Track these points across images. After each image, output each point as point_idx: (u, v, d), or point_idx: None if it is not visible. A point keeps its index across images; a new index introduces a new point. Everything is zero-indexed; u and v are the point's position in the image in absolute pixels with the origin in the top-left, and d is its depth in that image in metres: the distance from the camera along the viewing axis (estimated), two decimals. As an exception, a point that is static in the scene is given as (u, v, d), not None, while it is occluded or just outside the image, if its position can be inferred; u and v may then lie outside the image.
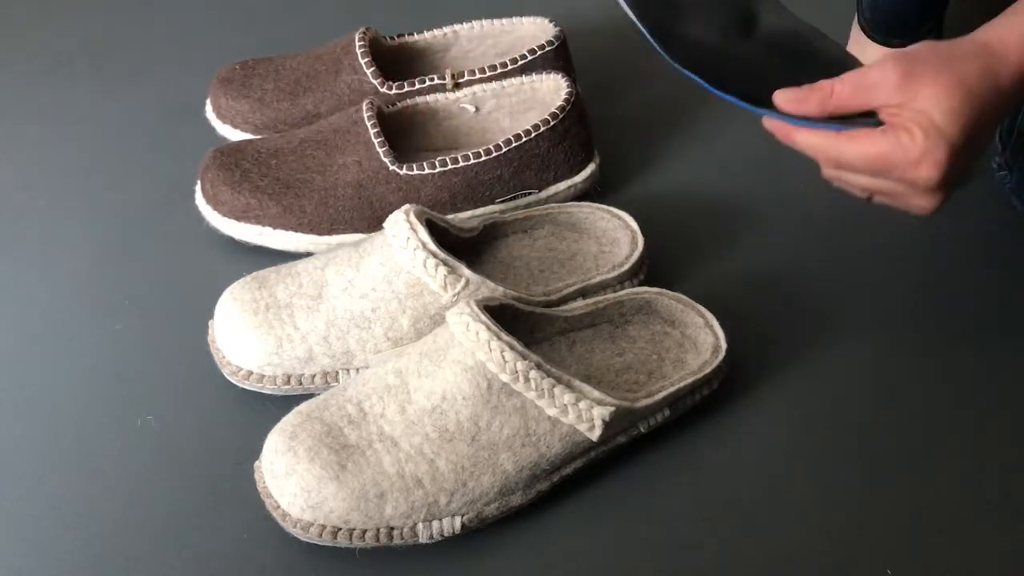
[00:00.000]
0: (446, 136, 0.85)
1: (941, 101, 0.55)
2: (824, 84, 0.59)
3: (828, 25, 0.69)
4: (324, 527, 0.60)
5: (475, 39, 0.91)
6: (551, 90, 0.84)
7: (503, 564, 0.62)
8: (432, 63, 0.91)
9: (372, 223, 0.78)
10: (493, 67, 0.85)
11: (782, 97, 0.61)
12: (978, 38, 0.57)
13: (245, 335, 0.69)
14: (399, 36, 0.90)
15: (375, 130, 0.78)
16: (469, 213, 0.81)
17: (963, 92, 0.55)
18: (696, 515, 0.64)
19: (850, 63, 0.64)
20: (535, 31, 0.91)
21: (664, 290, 0.72)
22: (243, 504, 0.64)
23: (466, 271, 0.69)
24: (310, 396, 0.66)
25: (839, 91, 0.59)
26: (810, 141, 0.60)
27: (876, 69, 0.57)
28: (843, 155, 0.59)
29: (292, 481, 0.60)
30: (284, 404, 0.66)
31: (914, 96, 0.55)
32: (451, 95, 0.84)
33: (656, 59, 0.67)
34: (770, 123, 0.62)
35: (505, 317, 0.65)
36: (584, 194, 0.84)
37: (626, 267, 0.74)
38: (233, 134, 0.87)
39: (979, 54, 0.56)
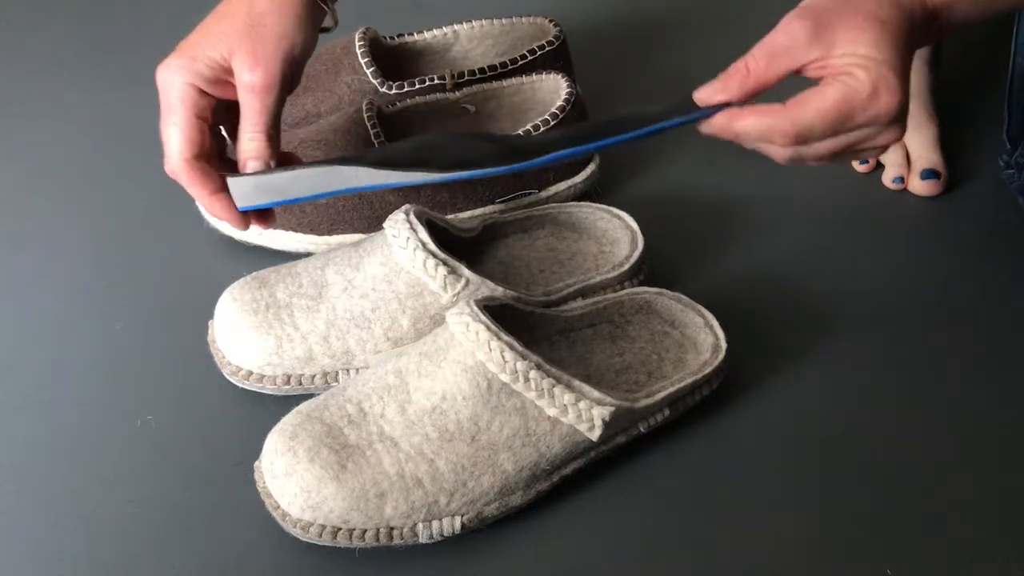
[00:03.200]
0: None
1: (859, 38, 0.54)
2: (737, 65, 0.58)
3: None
4: (324, 527, 0.60)
5: (475, 39, 0.91)
6: (551, 90, 0.84)
7: (503, 564, 0.62)
8: (432, 63, 0.91)
9: (372, 223, 0.78)
10: (493, 67, 0.85)
11: (702, 93, 0.59)
12: None
13: (245, 335, 0.69)
14: (399, 36, 0.90)
15: (375, 130, 0.78)
16: (469, 213, 0.81)
17: (875, 23, 0.54)
18: (696, 515, 0.64)
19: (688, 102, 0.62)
20: (535, 31, 0.91)
21: (664, 290, 0.72)
22: (243, 504, 0.64)
23: (466, 271, 0.69)
24: (310, 396, 0.66)
25: (754, 65, 0.57)
26: (758, 123, 0.57)
27: (782, 32, 0.56)
28: (800, 123, 0.56)
29: (292, 481, 0.60)
30: (284, 404, 0.66)
31: (831, 45, 0.55)
32: (451, 95, 0.84)
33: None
34: (709, 129, 0.59)
35: (505, 317, 0.65)
36: (584, 194, 0.84)
37: (626, 267, 0.74)
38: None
39: None
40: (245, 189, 0.63)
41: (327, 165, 0.63)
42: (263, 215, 0.67)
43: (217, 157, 0.66)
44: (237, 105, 0.64)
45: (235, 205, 0.64)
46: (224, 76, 0.63)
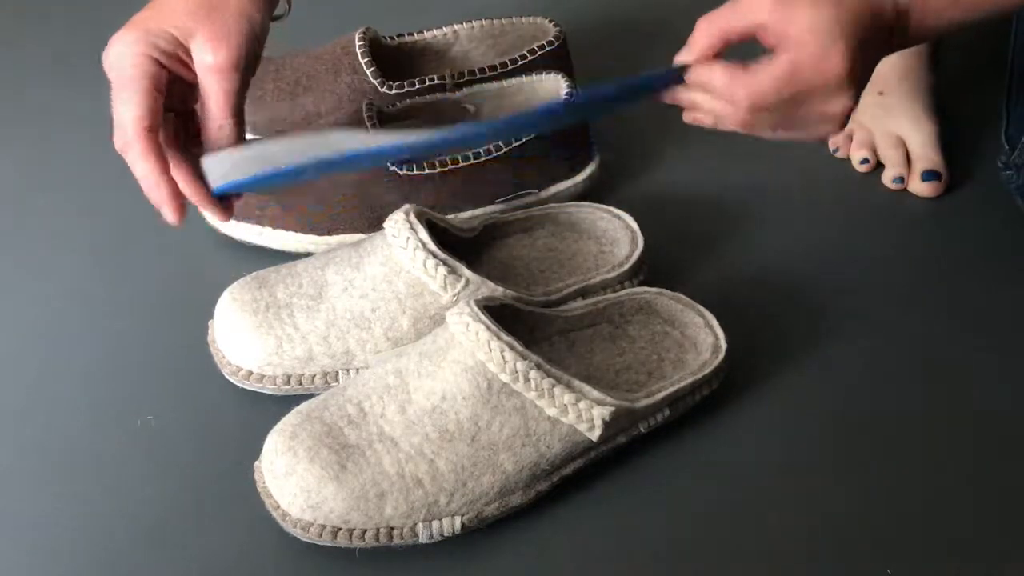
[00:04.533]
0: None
1: (820, 12, 0.57)
2: (699, 22, 0.61)
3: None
4: (324, 527, 0.60)
5: (475, 39, 0.91)
6: (551, 90, 0.84)
7: (503, 564, 0.62)
8: (432, 63, 0.91)
9: (372, 223, 0.78)
10: (493, 67, 0.85)
11: (679, 57, 0.62)
12: None
13: (245, 335, 0.69)
14: (399, 36, 0.90)
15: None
16: (469, 213, 0.81)
17: (834, 4, 0.57)
18: (696, 515, 0.64)
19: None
20: (535, 31, 0.91)
21: (664, 290, 0.72)
22: (243, 504, 0.64)
23: (466, 271, 0.69)
24: (310, 396, 0.66)
25: (717, 17, 0.60)
26: (721, 78, 0.60)
27: None
28: (755, 86, 0.59)
29: (292, 481, 0.60)
30: (284, 404, 0.66)
31: (792, 14, 0.57)
32: (451, 95, 0.84)
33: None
34: (670, 97, 0.63)
35: (505, 317, 0.65)
36: (584, 194, 0.84)
37: (626, 267, 0.74)
38: (233, 134, 0.87)
39: None
40: (224, 167, 0.61)
41: (312, 133, 0.61)
42: (224, 206, 0.64)
43: (174, 144, 0.63)
44: (187, 88, 0.62)
45: (200, 182, 0.61)
46: (181, 53, 0.61)
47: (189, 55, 0.61)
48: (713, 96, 0.62)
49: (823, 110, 0.60)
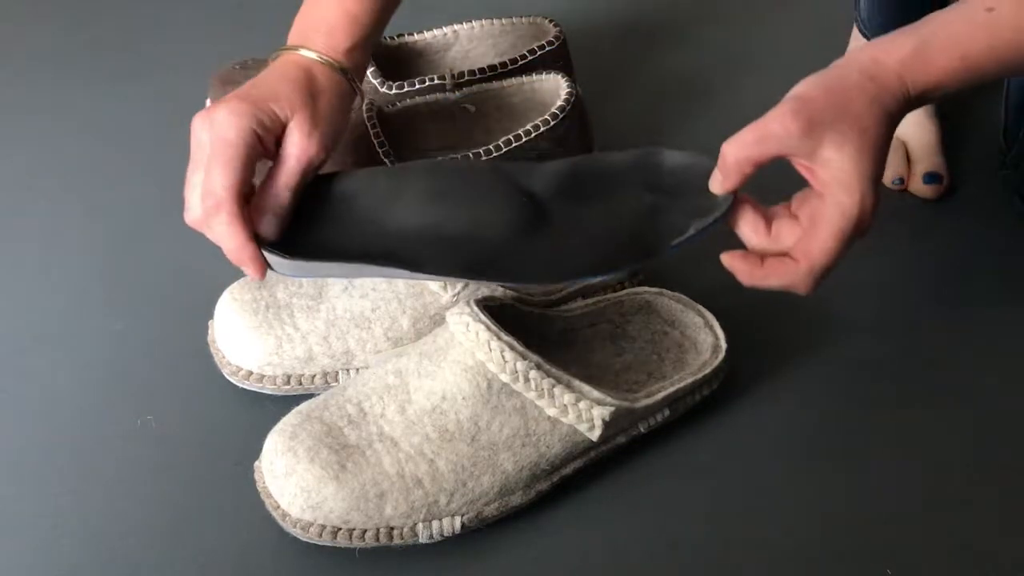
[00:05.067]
0: (446, 136, 0.85)
1: (844, 146, 0.57)
2: (726, 149, 0.60)
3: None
4: (324, 527, 0.60)
5: (475, 39, 0.91)
6: (551, 90, 0.84)
7: (503, 564, 0.62)
8: (432, 63, 0.91)
9: (372, 223, 0.78)
10: (493, 67, 0.85)
11: (714, 184, 0.62)
12: (863, 64, 0.59)
13: (245, 335, 0.69)
14: (399, 36, 0.90)
15: (375, 130, 0.78)
16: (469, 213, 0.81)
17: (861, 131, 0.58)
18: (696, 515, 0.64)
19: (683, 159, 0.64)
20: (535, 31, 0.91)
21: (664, 290, 0.72)
22: (243, 504, 0.64)
23: (466, 271, 0.69)
24: (310, 396, 0.66)
25: (744, 146, 0.59)
26: (781, 281, 0.61)
27: (775, 123, 0.58)
28: (816, 269, 0.60)
29: (292, 481, 0.60)
30: (284, 404, 0.66)
31: (819, 146, 0.58)
32: (451, 95, 0.84)
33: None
34: (736, 272, 0.62)
35: (505, 317, 0.66)
36: (584, 194, 0.84)
37: (626, 267, 0.74)
38: (233, 134, 0.87)
39: (864, 86, 0.58)
40: (278, 264, 0.63)
41: (356, 263, 0.62)
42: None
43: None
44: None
45: (261, 259, 0.62)
46: (277, 131, 0.63)
47: (283, 132, 0.63)
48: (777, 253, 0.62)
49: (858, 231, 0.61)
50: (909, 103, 0.60)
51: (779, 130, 0.58)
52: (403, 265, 0.61)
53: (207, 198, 0.61)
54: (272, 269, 0.63)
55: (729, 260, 0.62)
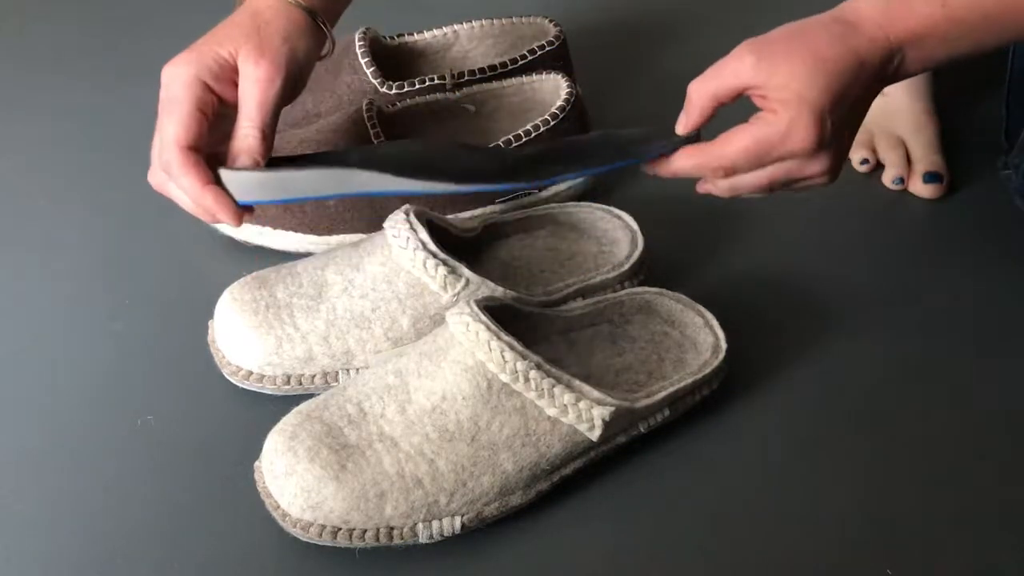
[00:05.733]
0: (446, 136, 0.85)
1: (796, 72, 0.58)
2: (690, 89, 0.62)
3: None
4: (324, 527, 0.60)
5: (475, 39, 0.91)
6: (551, 90, 0.84)
7: (503, 564, 0.62)
8: (432, 63, 0.91)
9: (372, 223, 0.78)
10: (493, 67, 0.85)
11: (678, 127, 0.64)
12: (833, 12, 0.61)
13: (245, 335, 0.69)
14: (399, 36, 0.90)
15: (375, 130, 0.78)
16: (469, 213, 0.81)
17: (816, 59, 0.58)
18: (696, 515, 0.64)
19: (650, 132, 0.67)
20: (535, 31, 0.91)
21: (664, 290, 0.72)
22: (243, 504, 0.64)
23: (466, 271, 0.69)
24: (310, 396, 0.66)
25: (705, 82, 0.61)
26: (689, 162, 0.63)
27: (732, 58, 0.61)
28: (724, 159, 0.61)
29: (292, 481, 0.60)
30: (284, 404, 0.66)
31: (771, 74, 0.59)
32: (451, 95, 0.84)
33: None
34: (652, 168, 0.65)
35: (505, 317, 0.65)
36: (584, 194, 0.84)
37: (626, 267, 0.74)
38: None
39: (829, 26, 0.59)
40: (245, 185, 0.63)
41: (334, 167, 0.62)
42: (247, 207, 0.66)
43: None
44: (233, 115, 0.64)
45: (227, 197, 0.62)
46: (230, 74, 0.64)
47: (237, 73, 0.64)
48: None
49: (804, 174, 0.62)
50: (890, 53, 0.59)
51: (734, 62, 0.60)
52: (387, 171, 0.61)
53: (161, 154, 0.63)
54: (243, 208, 0.63)
55: (648, 167, 0.64)
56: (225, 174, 0.63)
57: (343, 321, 0.69)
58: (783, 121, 0.59)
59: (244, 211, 0.65)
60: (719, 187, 0.64)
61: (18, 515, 0.65)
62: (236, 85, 0.64)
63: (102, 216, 0.85)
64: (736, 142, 0.60)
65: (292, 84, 0.65)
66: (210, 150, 0.64)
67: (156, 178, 0.65)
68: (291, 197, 0.64)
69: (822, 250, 0.81)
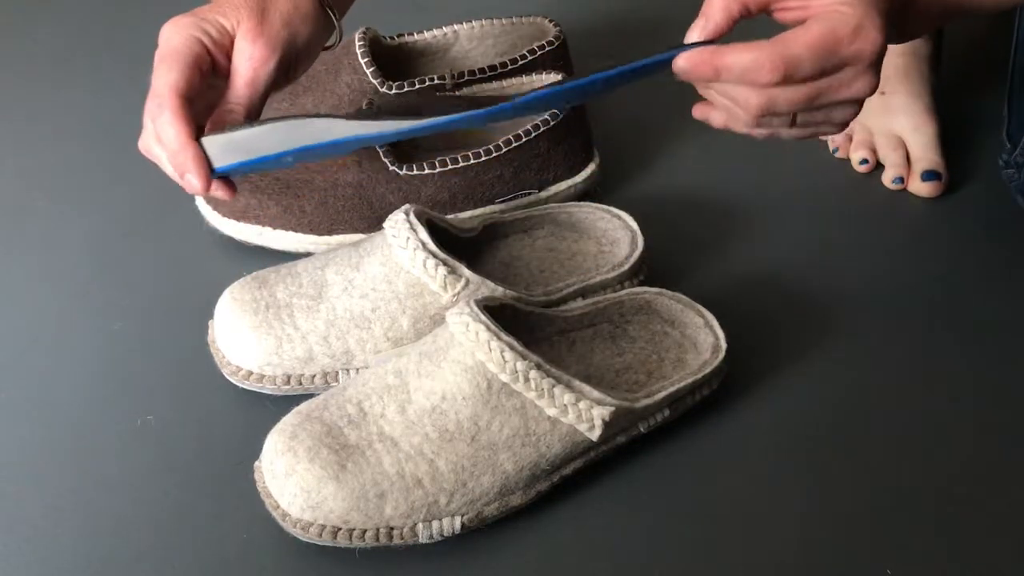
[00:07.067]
0: (446, 136, 0.85)
1: None
2: None
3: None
4: (324, 527, 0.60)
5: (475, 39, 0.91)
6: (551, 90, 0.84)
7: (503, 564, 0.62)
8: (432, 63, 0.91)
9: (372, 223, 0.78)
10: (493, 67, 0.85)
11: (693, 34, 0.58)
12: None
13: (245, 335, 0.69)
14: (399, 36, 0.90)
15: (375, 130, 0.78)
16: (469, 213, 0.81)
17: None
18: (697, 515, 0.64)
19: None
20: (535, 31, 0.91)
21: (664, 290, 0.72)
22: (243, 504, 0.64)
23: (466, 271, 0.69)
24: (310, 396, 0.66)
25: None
26: (746, 55, 0.55)
27: None
28: (788, 55, 0.54)
29: (292, 481, 0.60)
30: (284, 404, 0.66)
31: None
32: (451, 95, 0.84)
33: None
34: (687, 63, 0.57)
35: (505, 317, 0.65)
36: (584, 194, 0.84)
37: (626, 267, 0.74)
38: (233, 134, 0.87)
39: None
40: (214, 148, 0.62)
41: (292, 120, 0.62)
42: (227, 184, 0.65)
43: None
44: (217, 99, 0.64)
45: (204, 159, 0.62)
46: (227, 45, 0.64)
47: (233, 47, 0.64)
48: (734, 81, 0.57)
49: (849, 92, 0.57)
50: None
51: None
52: (339, 117, 0.61)
53: (151, 100, 0.62)
54: (216, 173, 0.63)
55: (685, 57, 0.57)
56: (204, 141, 0.62)
57: (343, 321, 0.69)
58: (855, 16, 0.54)
59: (224, 186, 0.64)
60: (751, 103, 0.56)
61: (18, 515, 0.65)
62: (230, 58, 0.64)
63: (102, 216, 0.85)
64: (803, 37, 0.54)
65: (286, 69, 0.65)
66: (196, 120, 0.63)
67: (145, 142, 0.64)
68: (258, 157, 0.62)
69: (822, 250, 0.81)
